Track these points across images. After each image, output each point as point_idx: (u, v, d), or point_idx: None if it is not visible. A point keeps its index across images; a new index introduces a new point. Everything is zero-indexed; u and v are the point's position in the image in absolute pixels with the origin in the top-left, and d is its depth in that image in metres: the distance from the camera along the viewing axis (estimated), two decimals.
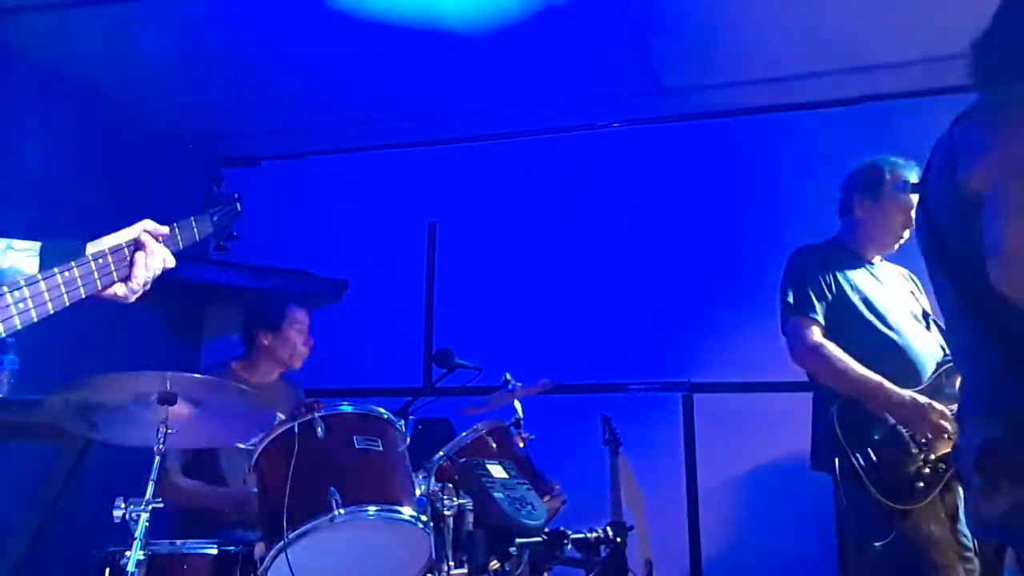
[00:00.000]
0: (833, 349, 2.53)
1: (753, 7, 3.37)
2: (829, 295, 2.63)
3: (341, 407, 2.22)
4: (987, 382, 1.40)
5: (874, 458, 2.39)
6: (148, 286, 1.58)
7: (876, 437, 2.42)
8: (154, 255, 1.55)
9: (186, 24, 3.51)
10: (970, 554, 2.41)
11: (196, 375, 2.08)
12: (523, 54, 3.77)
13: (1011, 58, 1.41)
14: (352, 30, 3.56)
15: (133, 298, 1.57)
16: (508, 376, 2.99)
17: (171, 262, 1.62)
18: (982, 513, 1.36)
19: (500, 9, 3.45)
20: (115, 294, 1.54)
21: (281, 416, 2.28)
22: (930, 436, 2.38)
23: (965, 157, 1.35)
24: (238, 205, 2.01)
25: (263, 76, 3.97)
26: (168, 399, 2.02)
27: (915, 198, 2.63)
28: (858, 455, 2.39)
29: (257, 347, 3.24)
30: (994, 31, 1.44)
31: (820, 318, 2.60)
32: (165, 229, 1.65)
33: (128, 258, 1.54)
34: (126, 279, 1.53)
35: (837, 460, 2.41)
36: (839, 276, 2.66)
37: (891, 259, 2.83)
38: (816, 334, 2.58)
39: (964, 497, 1.46)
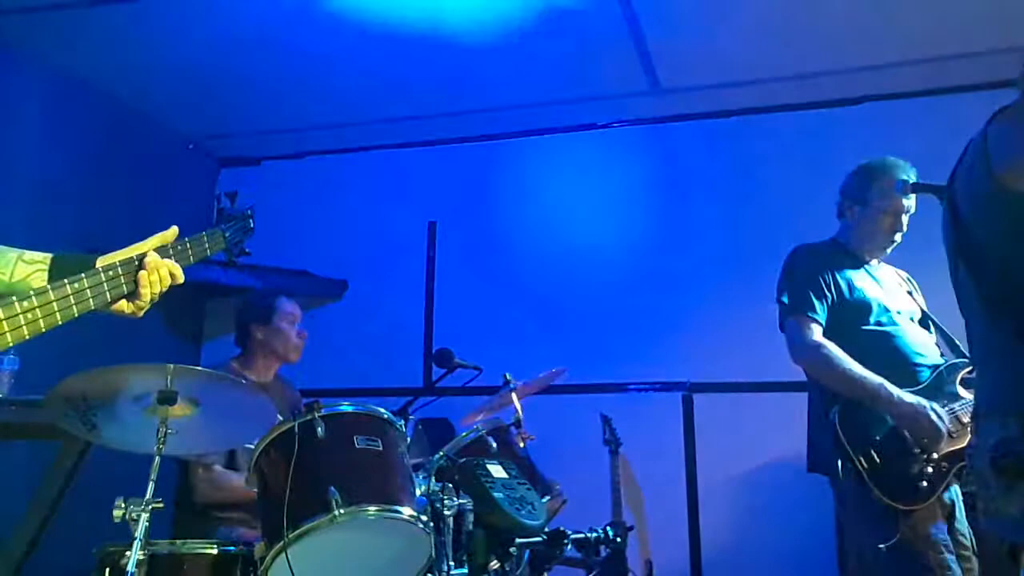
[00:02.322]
0: (833, 349, 2.53)
1: (752, 7, 3.37)
2: (829, 295, 2.62)
3: (341, 407, 2.21)
4: (1007, 381, 1.39)
5: (877, 459, 2.38)
6: (157, 299, 1.58)
7: (878, 438, 2.41)
8: (155, 272, 1.55)
9: (187, 24, 3.51)
10: (968, 553, 2.41)
11: (197, 367, 2.08)
12: (523, 54, 3.77)
13: None
14: (352, 30, 3.57)
15: (141, 314, 1.57)
16: (508, 376, 2.99)
17: (180, 278, 1.62)
18: (997, 513, 1.35)
19: (500, 10, 3.45)
20: (123, 311, 1.54)
21: (279, 416, 2.28)
22: (926, 441, 2.38)
23: (1000, 154, 1.33)
24: (251, 222, 2.00)
25: (263, 76, 3.97)
26: (168, 398, 2.01)
27: (911, 200, 2.66)
28: (861, 456, 2.38)
29: (252, 342, 3.24)
30: None
31: (820, 317, 2.59)
32: (172, 234, 1.65)
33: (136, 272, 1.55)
34: (134, 295, 1.54)
35: (840, 462, 2.40)
36: (838, 276, 2.66)
37: (889, 260, 2.84)
38: (816, 333, 2.57)
39: (978, 496, 1.45)
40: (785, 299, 2.66)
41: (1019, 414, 1.32)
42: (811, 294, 2.61)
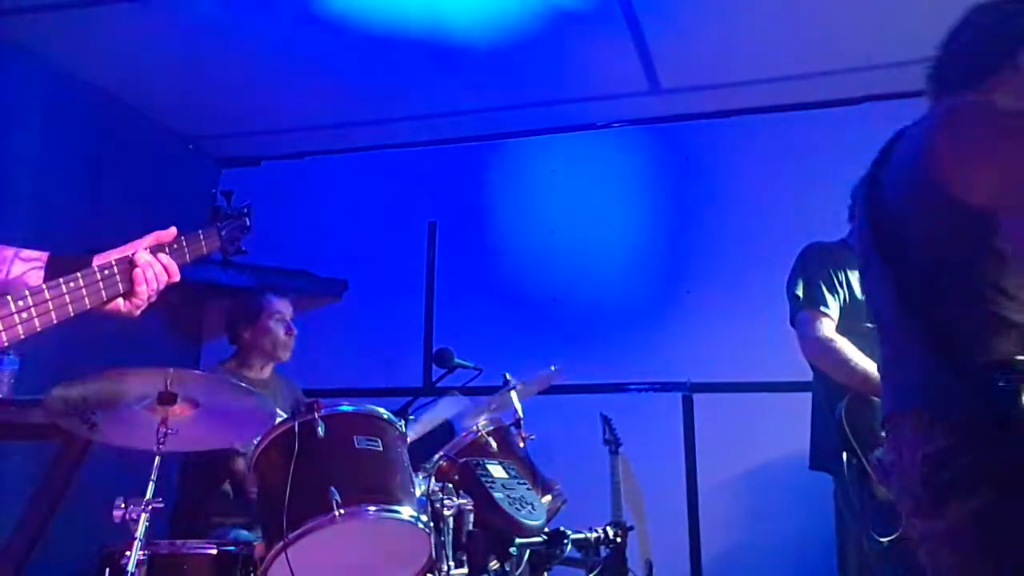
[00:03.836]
0: (843, 344, 2.53)
1: (753, 7, 3.37)
2: (840, 291, 2.63)
3: (341, 407, 2.21)
4: (929, 389, 1.32)
5: (883, 454, 2.38)
6: (153, 299, 1.58)
7: (884, 434, 2.42)
8: (150, 269, 1.55)
9: (187, 24, 3.51)
10: None
11: (196, 371, 2.08)
12: (523, 54, 3.77)
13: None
14: (353, 31, 3.56)
15: (138, 313, 1.57)
16: (508, 376, 2.99)
17: (175, 276, 1.62)
18: (919, 531, 1.27)
19: (501, 10, 3.45)
20: (119, 310, 1.54)
21: (280, 413, 2.28)
22: None
23: (953, 163, 1.30)
24: (247, 220, 2.00)
25: (263, 76, 3.97)
26: (168, 398, 2.01)
27: None
28: (867, 452, 2.38)
29: (242, 342, 3.23)
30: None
31: (831, 312, 2.59)
32: (169, 235, 1.65)
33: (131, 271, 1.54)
34: (129, 294, 1.54)
35: (845, 456, 2.40)
36: (848, 275, 2.66)
37: None
38: (827, 327, 2.57)
39: (908, 510, 1.40)
40: (797, 294, 2.66)
41: (942, 421, 1.24)
42: (823, 289, 2.62)
